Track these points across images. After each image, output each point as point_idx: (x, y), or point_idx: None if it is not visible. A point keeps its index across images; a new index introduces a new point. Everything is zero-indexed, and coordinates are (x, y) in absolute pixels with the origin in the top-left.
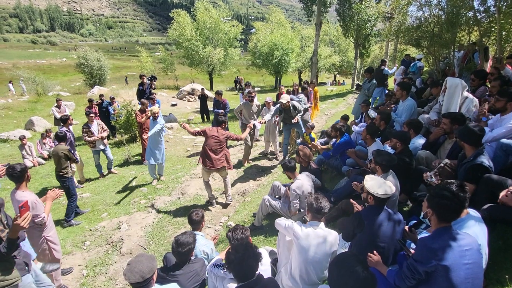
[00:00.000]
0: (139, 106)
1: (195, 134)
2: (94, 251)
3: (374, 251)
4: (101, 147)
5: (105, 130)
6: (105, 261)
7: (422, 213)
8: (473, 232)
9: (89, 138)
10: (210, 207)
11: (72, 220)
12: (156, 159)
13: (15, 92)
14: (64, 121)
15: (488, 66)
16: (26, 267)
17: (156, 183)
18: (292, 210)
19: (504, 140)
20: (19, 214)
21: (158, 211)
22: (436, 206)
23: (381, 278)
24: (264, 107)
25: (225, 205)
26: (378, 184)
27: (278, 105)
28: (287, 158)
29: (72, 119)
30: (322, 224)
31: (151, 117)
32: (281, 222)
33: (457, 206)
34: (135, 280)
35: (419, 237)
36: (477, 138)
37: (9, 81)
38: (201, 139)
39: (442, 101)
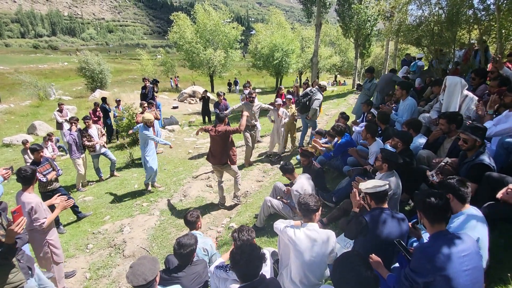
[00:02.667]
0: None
1: (204, 130)
2: (97, 254)
3: (373, 254)
4: (102, 150)
5: (103, 135)
6: (108, 264)
7: (425, 232)
8: (474, 230)
9: (88, 143)
10: (218, 208)
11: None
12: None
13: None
14: (69, 122)
15: (489, 65)
16: (30, 271)
17: (151, 188)
18: (298, 211)
19: (506, 138)
20: (12, 220)
21: (161, 213)
22: (423, 207)
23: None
24: (274, 108)
25: (233, 206)
26: (370, 183)
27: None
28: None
29: (77, 121)
30: (315, 225)
31: (143, 125)
32: (278, 226)
33: (444, 204)
34: (137, 283)
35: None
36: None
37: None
38: (203, 140)
39: (443, 99)
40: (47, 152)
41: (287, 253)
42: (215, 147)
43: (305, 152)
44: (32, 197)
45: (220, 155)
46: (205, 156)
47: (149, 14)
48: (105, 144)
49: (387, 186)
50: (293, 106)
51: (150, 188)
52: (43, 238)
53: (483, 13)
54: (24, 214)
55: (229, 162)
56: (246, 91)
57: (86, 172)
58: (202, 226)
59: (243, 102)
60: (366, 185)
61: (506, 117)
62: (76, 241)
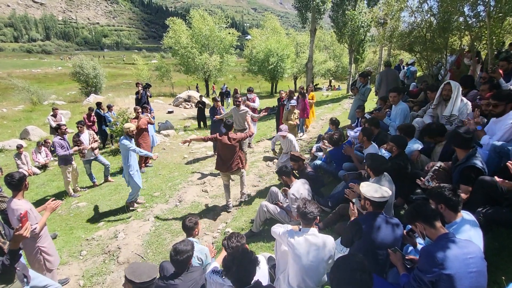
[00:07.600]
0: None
1: (207, 140)
2: (91, 261)
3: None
4: (91, 157)
5: (96, 141)
6: (102, 270)
7: (417, 237)
8: (468, 236)
9: (77, 148)
10: (227, 211)
11: None
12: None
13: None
14: (56, 129)
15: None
16: (25, 279)
17: (136, 206)
18: (293, 215)
19: (497, 143)
20: (20, 225)
21: (156, 219)
22: (420, 214)
23: (379, 281)
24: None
25: (238, 205)
26: (374, 189)
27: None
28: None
29: (66, 128)
30: (314, 230)
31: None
32: (276, 230)
33: (430, 208)
34: (141, 279)
35: (417, 241)
36: (465, 140)
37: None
38: (198, 145)
39: (435, 105)
40: (40, 158)
41: (285, 258)
42: (227, 155)
43: (294, 157)
44: (21, 203)
45: (232, 162)
46: (202, 161)
47: (144, 19)
48: (95, 152)
49: (389, 197)
50: (296, 111)
51: (135, 205)
52: (34, 245)
53: (474, 20)
54: (15, 222)
55: (241, 167)
56: (250, 95)
57: (80, 177)
58: (198, 232)
59: (233, 107)
60: (373, 194)
61: (495, 123)
62: (70, 248)
